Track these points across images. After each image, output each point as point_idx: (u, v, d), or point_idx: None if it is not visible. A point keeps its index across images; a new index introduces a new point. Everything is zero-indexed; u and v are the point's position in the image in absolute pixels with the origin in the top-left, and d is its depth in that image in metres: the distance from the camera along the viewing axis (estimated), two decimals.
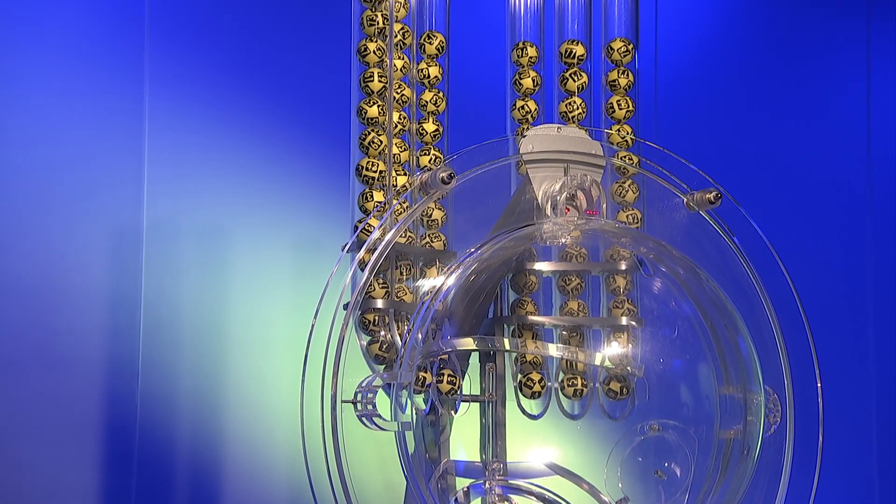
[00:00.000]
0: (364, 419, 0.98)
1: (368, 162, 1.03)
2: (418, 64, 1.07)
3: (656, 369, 1.08)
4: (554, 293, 1.09)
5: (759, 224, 1.08)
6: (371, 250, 0.99)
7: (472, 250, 1.03)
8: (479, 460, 1.07)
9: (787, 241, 1.16)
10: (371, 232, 1.00)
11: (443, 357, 1.03)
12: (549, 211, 1.04)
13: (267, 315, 1.35)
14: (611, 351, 1.08)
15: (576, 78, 1.09)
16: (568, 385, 1.04)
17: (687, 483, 1.06)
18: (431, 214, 1.04)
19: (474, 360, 1.07)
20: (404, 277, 1.04)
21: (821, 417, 1.08)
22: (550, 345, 1.08)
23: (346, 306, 0.99)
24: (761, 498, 1.07)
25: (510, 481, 1.05)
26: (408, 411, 0.98)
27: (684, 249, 1.07)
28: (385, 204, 1.02)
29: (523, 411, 1.08)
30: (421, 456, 1.03)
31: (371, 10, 1.04)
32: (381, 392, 0.98)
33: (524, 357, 1.03)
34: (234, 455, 1.33)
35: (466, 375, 1.06)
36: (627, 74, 1.10)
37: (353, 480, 0.96)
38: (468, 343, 1.05)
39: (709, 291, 1.07)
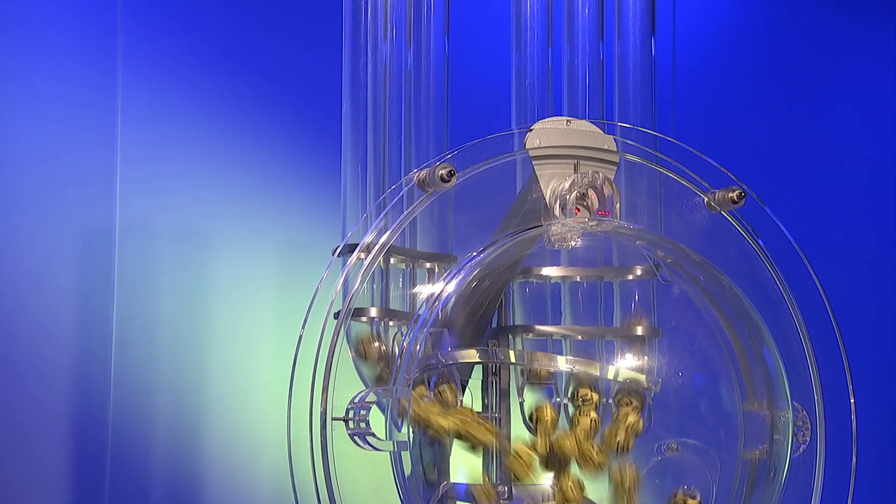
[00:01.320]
0: (356, 438, 0.97)
1: None
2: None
3: (674, 384, 1.08)
4: (563, 301, 1.09)
5: (786, 226, 1.09)
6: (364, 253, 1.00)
7: (474, 254, 1.03)
8: (482, 483, 1.06)
9: (817, 245, 1.16)
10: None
11: (442, 370, 1.03)
12: (557, 211, 1.04)
13: (250, 324, 1.35)
14: (625, 364, 1.08)
15: None
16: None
17: None
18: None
19: (476, 373, 1.07)
20: (401, 283, 1.05)
21: (854, 436, 1.08)
22: (560, 357, 1.08)
23: (336, 315, 0.98)
24: None
25: None
26: (404, 429, 0.98)
27: (705, 253, 1.07)
28: (380, 204, 1.03)
29: (529, 429, 1.08)
30: (419, 478, 1.02)
31: None
32: (375, 409, 0.98)
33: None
34: (215, 478, 1.33)
35: (468, 390, 1.05)
36: None
37: (344, 503, 0.95)
38: (470, 355, 1.05)
39: (731, 299, 1.07)
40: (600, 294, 1.10)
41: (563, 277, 1.10)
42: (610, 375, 1.08)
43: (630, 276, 1.10)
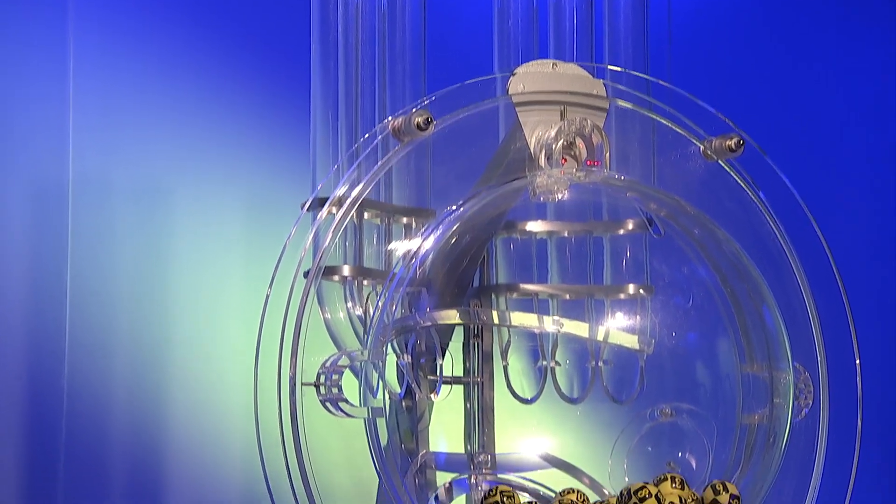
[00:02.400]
0: (328, 404, 0.97)
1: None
2: None
3: (668, 344, 1.08)
4: (550, 258, 1.10)
5: (788, 176, 1.09)
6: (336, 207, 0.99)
7: (454, 208, 1.03)
8: (464, 452, 1.07)
9: (820, 197, 1.16)
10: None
11: (420, 332, 1.03)
12: (542, 162, 1.04)
13: (214, 285, 1.35)
14: (616, 324, 1.08)
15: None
16: None
17: (704, 475, 1.07)
18: None
19: (457, 336, 1.08)
20: (375, 240, 1.05)
21: (859, 399, 1.08)
22: (546, 317, 1.08)
23: (306, 274, 0.98)
24: (790, 492, 1.07)
25: (499, 476, 1.06)
26: (379, 395, 0.98)
27: (700, 205, 1.07)
28: (352, 154, 1.02)
29: (514, 395, 1.09)
30: (396, 447, 1.04)
31: None
32: (347, 373, 0.98)
33: None
34: (179, 448, 1.33)
35: (448, 353, 1.06)
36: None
37: (315, 476, 0.95)
38: (450, 316, 1.05)
39: (729, 254, 1.07)
40: (589, 250, 1.11)
41: (549, 233, 1.10)
42: (600, 337, 1.09)
43: (621, 231, 1.10)
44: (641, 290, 1.09)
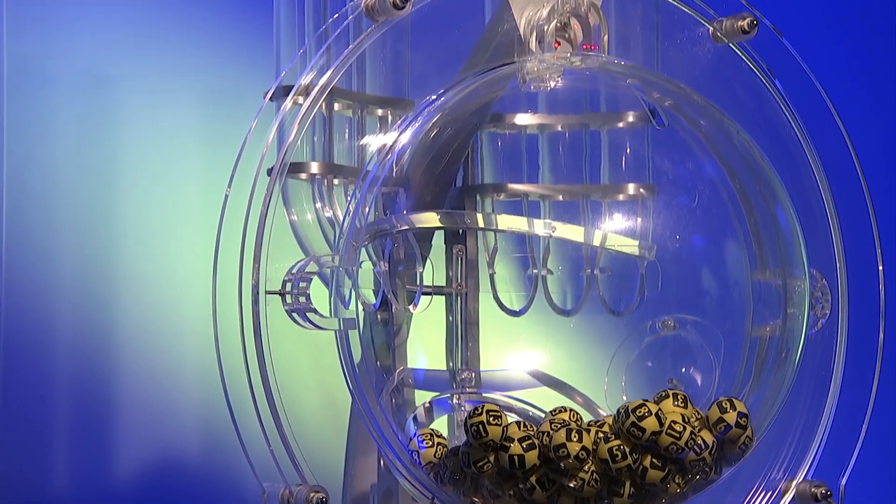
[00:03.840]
0: (295, 315, 0.97)
1: None
2: None
3: (671, 249, 1.08)
4: (541, 154, 1.09)
5: (805, 61, 1.09)
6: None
7: (434, 97, 1.02)
8: (445, 369, 1.08)
9: (840, 86, 1.17)
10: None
11: (397, 237, 1.03)
12: (533, 45, 1.03)
13: (168, 184, 1.35)
14: (614, 227, 1.08)
15: None
16: None
17: (710, 393, 1.07)
18: None
19: (438, 241, 1.08)
20: (346, 134, 1.05)
21: (882, 309, 1.09)
22: (536, 221, 1.08)
23: (270, 171, 0.98)
24: (804, 410, 1.08)
25: (484, 395, 1.06)
26: (352, 306, 0.98)
27: (709, 94, 1.07)
28: (320, 36, 1.01)
29: (501, 306, 1.09)
30: (370, 364, 1.03)
31: None
32: (317, 282, 0.98)
33: None
34: (130, 366, 1.33)
35: (428, 261, 1.06)
36: None
37: (282, 394, 0.96)
38: (430, 219, 1.05)
39: (740, 148, 1.07)
40: (585, 146, 1.10)
41: (540, 126, 1.09)
42: (596, 242, 1.08)
43: (620, 124, 1.09)
44: (642, 190, 1.09)
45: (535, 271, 1.09)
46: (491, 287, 1.08)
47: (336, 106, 1.04)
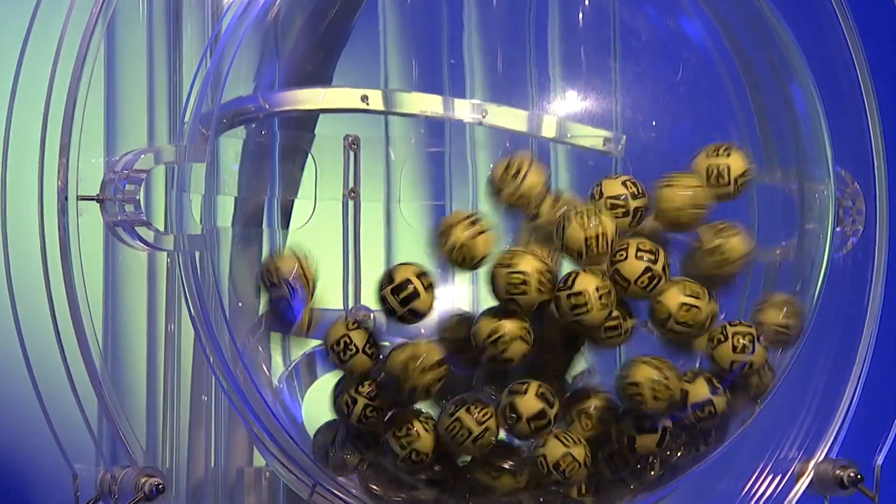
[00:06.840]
0: (120, 229, 0.93)
1: None
2: None
3: (644, 140, 1.02)
4: (466, 6, 1.05)
5: None
6: None
7: None
8: (333, 308, 1.02)
9: None
10: None
11: (266, 122, 1.00)
12: None
13: None
14: (568, 109, 1.02)
15: None
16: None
17: None
18: None
19: (324, 129, 1.03)
20: None
21: None
22: (460, 101, 1.03)
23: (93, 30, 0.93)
24: (826, 367, 1.05)
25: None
26: (200, 218, 0.94)
27: None
28: None
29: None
30: (227, 300, 0.97)
31: None
32: (153, 181, 0.96)
33: None
34: None
35: (309, 156, 1.02)
36: None
37: (97, 335, 0.91)
38: (311, 98, 1.00)
39: (743, 2, 1.02)
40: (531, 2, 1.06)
41: None
42: (545, 132, 1.03)
43: None
44: (609, 60, 1.03)
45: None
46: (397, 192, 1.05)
47: None
